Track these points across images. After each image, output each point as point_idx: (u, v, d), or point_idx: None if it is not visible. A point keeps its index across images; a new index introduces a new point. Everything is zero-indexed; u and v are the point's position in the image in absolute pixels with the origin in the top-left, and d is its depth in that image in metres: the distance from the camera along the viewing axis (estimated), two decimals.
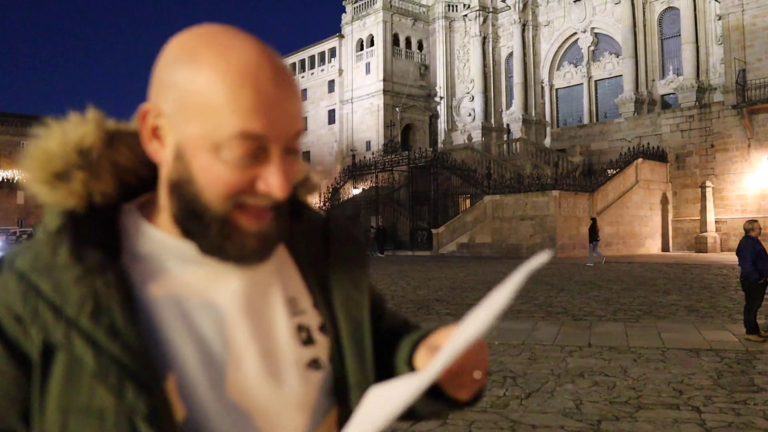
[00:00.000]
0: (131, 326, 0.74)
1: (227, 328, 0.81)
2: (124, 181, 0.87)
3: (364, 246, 1.01)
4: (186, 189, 0.79)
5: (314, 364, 0.86)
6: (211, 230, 0.79)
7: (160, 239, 0.83)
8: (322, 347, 0.88)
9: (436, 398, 0.87)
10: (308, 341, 0.87)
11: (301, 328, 0.87)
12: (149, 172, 0.87)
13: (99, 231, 0.80)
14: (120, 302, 0.75)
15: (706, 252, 31.58)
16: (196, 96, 0.76)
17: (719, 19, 37.89)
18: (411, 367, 0.88)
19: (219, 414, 0.77)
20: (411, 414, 0.95)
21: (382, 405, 0.74)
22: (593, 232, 24.38)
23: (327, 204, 41.63)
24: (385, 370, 0.93)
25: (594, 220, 25.53)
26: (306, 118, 62.88)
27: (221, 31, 0.78)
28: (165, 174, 0.82)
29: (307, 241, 0.94)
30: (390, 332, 0.99)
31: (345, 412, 0.87)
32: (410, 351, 0.89)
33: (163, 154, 0.81)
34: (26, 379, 0.74)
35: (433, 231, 33.93)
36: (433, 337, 0.85)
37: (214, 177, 0.77)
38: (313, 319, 0.89)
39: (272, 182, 0.78)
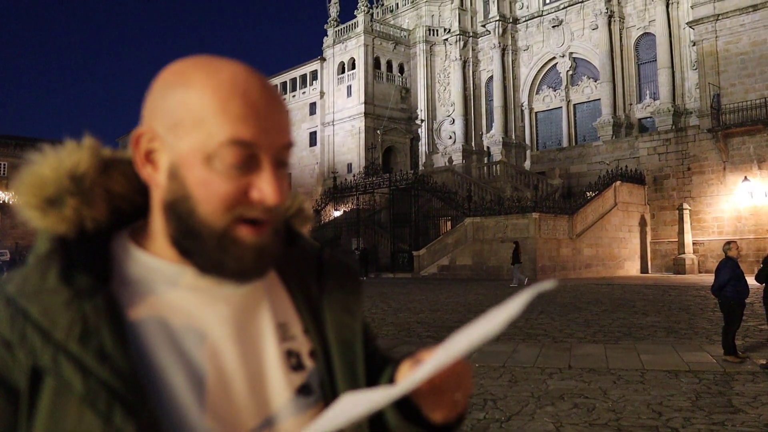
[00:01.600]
0: (120, 350, 0.74)
1: (216, 353, 0.81)
2: (117, 208, 0.88)
3: (357, 274, 1.02)
4: (182, 207, 0.80)
5: (304, 389, 0.86)
6: (209, 246, 0.80)
7: (150, 264, 0.84)
8: (312, 373, 0.88)
9: (414, 421, 0.87)
10: (298, 367, 0.87)
11: (290, 354, 0.87)
12: (142, 199, 0.88)
13: (89, 256, 0.80)
14: (109, 326, 0.75)
15: (685, 273, 31.87)
16: (188, 112, 0.79)
17: (694, 45, 38.59)
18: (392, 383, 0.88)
19: None
20: None
21: (349, 407, 0.75)
22: (516, 255, 25.90)
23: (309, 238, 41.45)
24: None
25: (517, 243, 26.72)
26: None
27: (211, 58, 0.82)
28: (159, 197, 0.83)
29: (300, 268, 0.94)
30: (379, 362, 0.98)
31: None
32: (393, 370, 0.89)
33: (156, 177, 0.82)
34: (12, 408, 0.73)
35: (414, 253, 33.92)
36: (418, 354, 0.85)
37: (208, 190, 0.79)
38: (303, 344, 0.89)
39: (265, 189, 0.79)
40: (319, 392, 0.87)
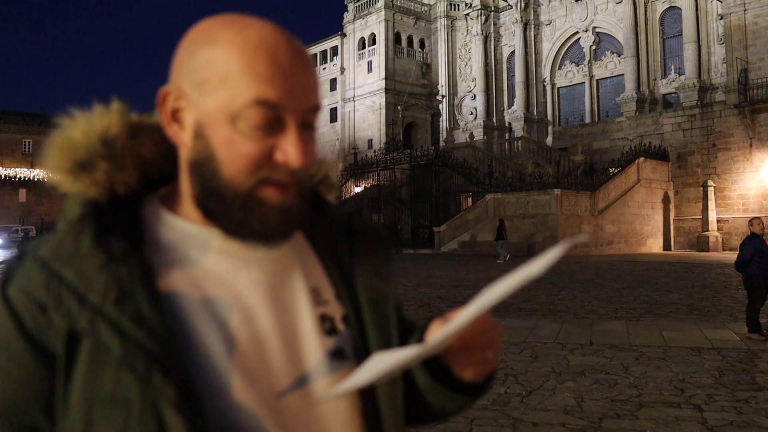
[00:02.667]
0: (156, 314, 0.74)
1: (250, 317, 0.81)
2: (147, 174, 0.88)
3: (389, 241, 1.01)
4: (206, 167, 0.80)
5: (338, 354, 0.86)
6: (233, 207, 0.80)
7: (182, 228, 0.84)
8: (345, 338, 0.88)
9: (444, 382, 0.88)
10: (332, 331, 0.86)
11: (324, 318, 0.87)
12: (171, 165, 0.88)
13: (121, 220, 0.80)
14: (144, 290, 0.75)
15: (708, 251, 31.56)
16: (213, 70, 0.78)
17: (721, 18, 37.85)
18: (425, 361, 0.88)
19: (243, 402, 0.77)
20: (424, 410, 0.95)
21: (380, 363, 0.75)
22: (500, 232, 26.38)
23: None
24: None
25: (501, 221, 27.17)
26: None
27: (240, 16, 0.81)
28: (185, 156, 0.83)
29: (330, 235, 0.94)
30: (407, 328, 0.98)
31: (371, 404, 0.87)
32: (423, 330, 0.89)
33: (182, 136, 0.82)
34: (49, 372, 0.74)
35: (435, 229, 33.92)
36: (447, 314, 0.85)
37: (233, 150, 0.78)
38: (336, 309, 0.89)
39: (289, 151, 0.78)
40: (352, 357, 0.87)
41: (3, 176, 65.80)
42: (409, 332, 0.96)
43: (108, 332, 0.72)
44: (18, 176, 66.14)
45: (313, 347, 0.84)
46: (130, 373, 0.71)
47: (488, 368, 0.87)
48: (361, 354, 0.87)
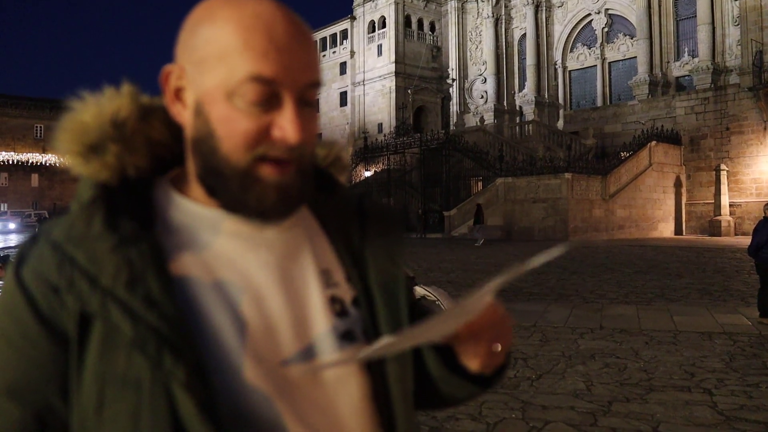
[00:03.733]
0: (167, 296, 0.74)
1: (260, 298, 0.81)
2: (158, 156, 0.88)
3: (399, 223, 1.01)
4: (206, 144, 0.80)
5: (348, 335, 0.86)
6: (231, 184, 0.80)
7: (191, 210, 0.84)
8: (355, 320, 0.88)
9: (455, 371, 0.89)
10: (342, 313, 0.87)
11: (334, 300, 0.87)
12: (181, 147, 0.88)
13: (132, 203, 0.81)
14: (155, 272, 0.75)
15: (720, 236, 31.37)
16: (211, 47, 0.78)
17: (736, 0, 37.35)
18: (438, 349, 0.90)
19: (253, 383, 0.77)
20: (435, 396, 0.96)
21: (386, 341, 0.77)
22: (478, 216, 27.53)
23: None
24: (418, 355, 0.94)
25: (479, 206, 28.42)
26: (318, 100, 62.77)
27: None
28: (187, 134, 0.84)
29: (341, 216, 0.94)
30: (418, 313, 0.98)
31: (381, 386, 0.87)
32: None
33: (185, 115, 0.83)
34: (62, 353, 0.75)
35: (445, 213, 33.87)
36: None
37: (230, 127, 0.78)
38: (346, 291, 0.89)
39: (286, 127, 0.78)
40: (362, 339, 0.87)
41: (15, 161, 66.25)
42: (421, 317, 0.96)
43: (119, 314, 0.72)
44: (30, 161, 66.58)
45: (323, 329, 0.84)
46: (140, 354, 0.72)
47: (497, 361, 0.87)
48: (371, 336, 0.87)
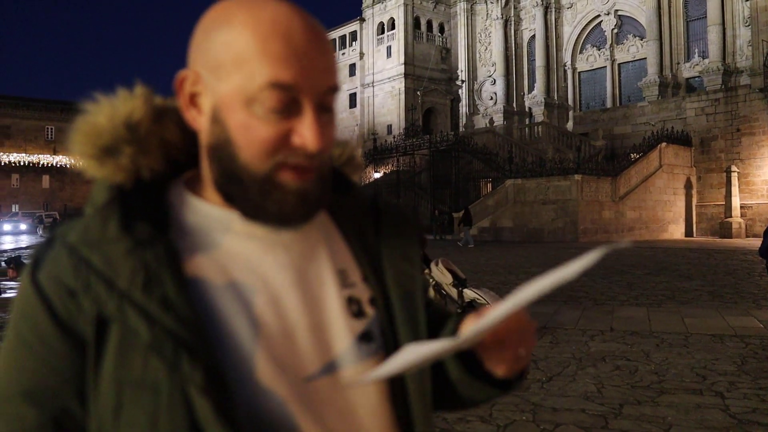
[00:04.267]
0: (183, 298, 0.74)
1: (277, 299, 0.81)
2: (172, 158, 0.88)
3: (415, 223, 1.00)
4: (224, 151, 0.79)
5: (365, 336, 0.85)
6: (251, 191, 0.79)
7: (206, 212, 0.84)
8: (373, 321, 0.87)
9: (476, 376, 0.88)
10: (359, 314, 0.86)
11: (351, 301, 0.86)
12: (196, 149, 0.88)
13: (147, 205, 0.80)
14: (171, 275, 0.75)
15: (731, 237, 31.19)
16: (228, 53, 0.77)
17: (747, 0, 37.11)
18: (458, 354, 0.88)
19: (271, 386, 0.77)
20: (453, 398, 0.95)
21: (412, 355, 0.75)
22: (467, 218, 27.82)
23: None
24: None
25: (467, 208, 29.05)
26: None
27: None
28: (204, 140, 0.83)
29: (356, 216, 0.94)
30: (433, 313, 0.98)
31: (398, 387, 0.87)
32: (456, 323, 0.89)
33: (200, 121, 0.82)
34: (80, 357, 0.74)
35: (454, 215, 33.83)
36: (482, 310, 0.83)
37: (249, 134, 0.77)
38: (363, 292, 0.88)
39: (306, 134, 0.77)
40: (380, 340, 0.86)
41: (27, 163, 66.64)
42: (438, 319, 0.96)
43: (136, 317, 0.72)
44: (41, 162, 66.95)
45: (341, 330, 0.84)
46: (158, 357, 0.72)
47: (521, 365, 0.86)
48: (388, 337, 0.87)
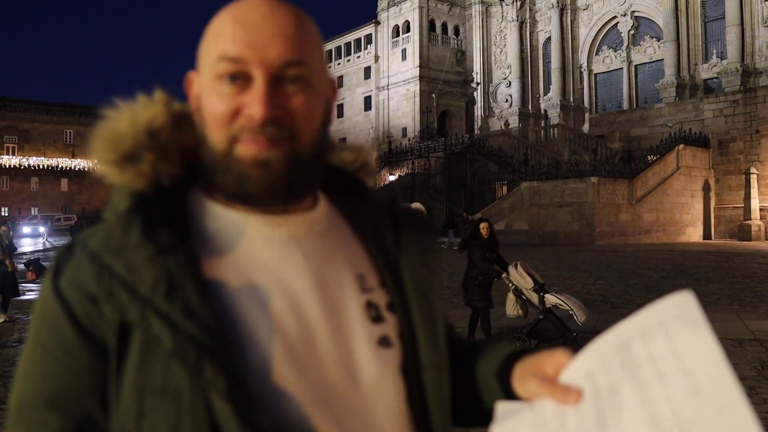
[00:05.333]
0: (205, 305, 0.74)
1: (297, 305, 0.81)
2: (190, 163, 0.88)
3: (433, 229, 1.01)
4: (202, 138, 0.83)
5: (384, 341, 0.85)
6: (218, 171, 0.82)
7: (224, 217, 0.84)
8: (390, 325, 0.87)
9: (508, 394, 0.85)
10: (377, 318, 0.86)
11: (370, 306, 0.86)
12: None
13: (168, 212, 0.81)
14: (193, 282, 0.75)
15: (750, 240, 30.84)
16: (204, 47, 0.83)
17: (766, 0, 36.75)
18: (503, 383, 0.85)
19: (292, 391, 0.77)
20: (479, 414, 0.91)
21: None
22: (451, 220, 28.87)
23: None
24: (457, 367, 0.92)
25: (451, 209, 30.36)
26: (342, 104, 63.04)
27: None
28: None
29: (373, 221, 0.94)
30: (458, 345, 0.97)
31: (417, 392, 0.86)
32: (500, 365, 0.86)
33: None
34: (102, 363, 0.75)
35: (470, 218, 33.75)
36: (540, 363, 0.80)
37: (209, 111, 0.81)
38: (381, 297, 0.88)
39: (251, 103, 0.78)
40: (398, 344, 0.86)
41: (46, 166, 67.36)
42: (462, 347, 0.96)
43: (159, 324, 0.72)
44: (60, 166, 67.65)
45: (360, 335, 0.84)
46: (180, 364, 0.72)
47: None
48: (406, 341, 0.87)
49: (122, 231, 0.77)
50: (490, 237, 8.18)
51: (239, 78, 0.79)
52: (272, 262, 0.82)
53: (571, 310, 7.32)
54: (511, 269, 7.92)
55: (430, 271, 0.93)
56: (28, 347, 0.78)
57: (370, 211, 0.95)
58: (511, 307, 8.09)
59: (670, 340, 0.61)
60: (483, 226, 8.28)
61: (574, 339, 7.46)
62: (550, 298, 7.57)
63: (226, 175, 0.81)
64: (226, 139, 0.79)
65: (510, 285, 7.92)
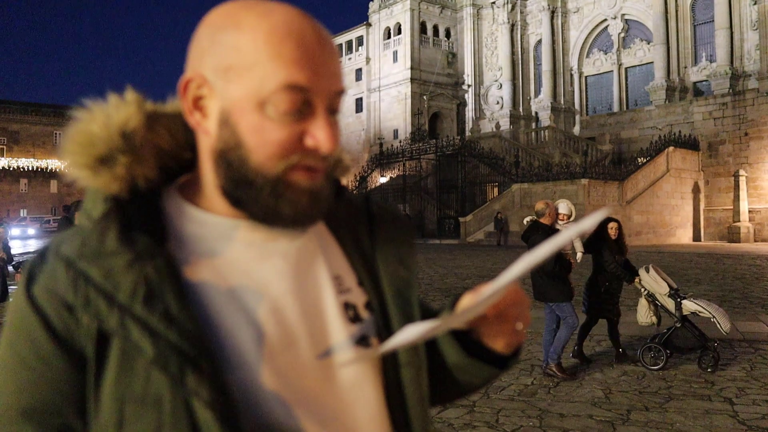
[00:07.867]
0: (185, 311, 0.73)
1: (277, 308, 0.80)
2: (164, 165, 0.86)
3: (410, 226, 1.00)
4: (234, 155, 0.78)
5: (363, 341, 0.85)
6: (263, 194, 0.78)
7: (204, 220, 0.82)
8: (369, 325, 0.87)
9: (476, 356, 0.89)
10: (355, 319, 0.86)
11: (348, 306, 0.86)
12: (189, 154, 0.87)
13: (144, 216, 0.79)
14: (172, 288, 0.73)
15: (740, 242, 31.02)
16: (239, 56, 0.76)
17: (755, 3, 37.05)
18: (459, 339, 0.91)
19: (274, 394, 0.76)
20: (450, 387, 0.96)
21: (410, 331, 0.78)
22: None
23: (354, 192, 41.85)
24: (432, 349, 0.94)
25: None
26: None
27: (260, 0, 0.79)
28: (209, 145, 0.81)
29: (349, 220, 0.93)
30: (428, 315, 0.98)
31: (395, 391, 0.87)
32: (452, 303, 0.89)
33: (206, 125, 0.80)
34: (79, 373, 0.73)
35: (461, 219, 33.80)
36: (477, 288, 0.84)
37: (262, 137, 0.76)
38: (358, 297, 0.88)
39: (319, 136, 0.77)
40: (377, 344, 0.86)
41: (35, 167, 66.96)
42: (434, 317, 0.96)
43: (139, 332, 0.71)
44: (49, 167, 67.26)
45: (339, 336, 0.83)
46: (162, 372, 0.71)
47: (518, 340, 0.89)
48: (384, 340, 0.86)
49: (98, 237, 0.75)
50: (618, 238, 7.57)
51: (301, 106, 0.77)
52: (251, 264, 0.81)
53: (714, 317, 6.72)
54: (642, 273, 7.38)
55: (406, 269, 0.93)
56: (2, 358, 0.75)
57: (346, 211, 0.94)
58: (644, 314, 7.46)
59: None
60: (612, 226, 7.57)
61: (715, 349, 6.78)
62: (689, 305, 6.90)
63: (276, 200, 0.78)
64: (285, 167, 0.77)
65: (642, 290, 7.36)
